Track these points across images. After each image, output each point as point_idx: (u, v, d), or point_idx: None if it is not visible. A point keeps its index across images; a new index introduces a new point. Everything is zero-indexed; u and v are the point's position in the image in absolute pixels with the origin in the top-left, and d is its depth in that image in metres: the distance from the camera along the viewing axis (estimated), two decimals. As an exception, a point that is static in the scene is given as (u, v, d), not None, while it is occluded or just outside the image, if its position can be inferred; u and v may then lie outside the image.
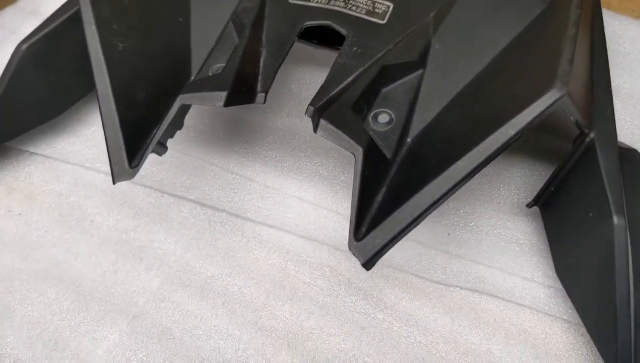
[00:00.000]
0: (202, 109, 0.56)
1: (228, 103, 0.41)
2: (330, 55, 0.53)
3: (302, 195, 0.52)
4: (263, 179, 0.53)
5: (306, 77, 0.59)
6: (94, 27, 0.43)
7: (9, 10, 0.67)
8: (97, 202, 0.53)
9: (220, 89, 0.42)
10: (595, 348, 0.43)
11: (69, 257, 0.50)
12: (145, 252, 0.50)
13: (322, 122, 0.40)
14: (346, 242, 0.49)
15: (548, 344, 0.45)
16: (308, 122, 0.56)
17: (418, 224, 0.37)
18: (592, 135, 0.42)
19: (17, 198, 0.53)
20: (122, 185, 0.53)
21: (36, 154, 0.56)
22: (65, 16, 0.51)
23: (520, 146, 0.53)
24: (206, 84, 0.43)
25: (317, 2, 0.49)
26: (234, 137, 0.55)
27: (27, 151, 0.56)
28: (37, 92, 0.52)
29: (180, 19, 0.49)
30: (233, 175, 0.53)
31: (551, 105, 0.35)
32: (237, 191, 0.52)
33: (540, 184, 0.48)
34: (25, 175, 0.55)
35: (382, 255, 0.37)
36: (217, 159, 0.54)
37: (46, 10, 0.65)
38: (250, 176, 0.53)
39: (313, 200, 0.52)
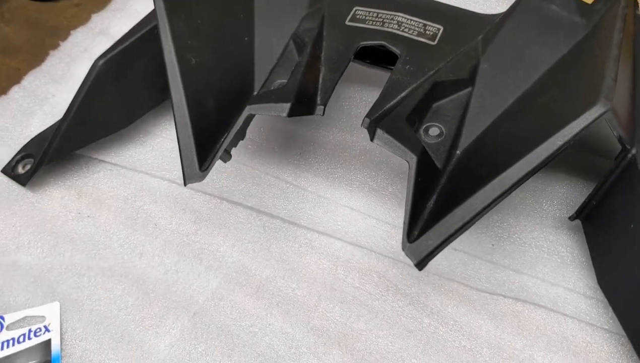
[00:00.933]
0: (260, 124, 0.60)
1: (291, 113, 0.45)
2: (378, 75, 0.56)
3: (352, 205, 0.55)
4: (315, 188, 0.56)
5: (357, 95, 0.62)
6: (171, 43, 0.47)
7: (81, 30, 0.72)
8: (160, 206, 0.56)
9: (284, 101, 0.45)
10: (636, 357, 0.45)
11: (134, 257, 0.54)
12: (204, 253, 0.53)
13: (379, 131, 0.43)
14: (394, 249, 0.52)
15: (589, 353, 0.47)
16: (358, 137, 0.59)
17: (469, 228, 0.39)
18: (633, 151, 0.45)
19: (86, 202, 0.57)
20: (184, 191, 0.57)
21: (105, 161, 0.60)
22: (138, 34, 0.55)
23: (563, 163, 0.55)
24: (271, 96, 0.47)
25: (371, 24, 0.53)
26: (289, 150, 0.59)
27: (96, 159, 0.60)
28: (110, 105, 0.57)
29: (246, 38, 0.52)
30: (287, 185, 0.56)
31: (596, 118, 0.38)
32: (290, 199, 0.56)
33: (580, 200, 0.51)
34: (94, 181, 0.59)
35: (433, 256, 0.39)
36: (272, 169, 0.57)
37: (115, 30, 0.70)
38: (304, 186, 0.56)
39: (362, 209, 0.54)
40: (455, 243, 0.52)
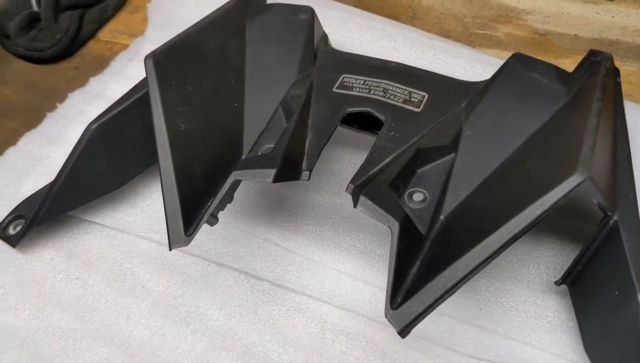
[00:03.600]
0: (249, 186, 0.61)
1: (276, 179, 0.46)
2: (367, 139, 0.57)
3: (340, 268, 0.55)
4: (304, 251, 0.56)
5: (345, 158, 0.63)
6: (160, 109, 0.48)
7: (78, 92, 0.73)
8: (149, 269, 0.56)
9: (270, 167, 0.46)
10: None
11: (120, 320, 0.53)
12: (191, 317, 0.53)
13: (362, 198, 0.44)
14: (381, 313, 0.51)
15: (578, 421, 0.46)
16: (346, 200, 0.60)
17: (451, 295, 0.39)
18: (615, 217, 0.45)
19: (75, 264, 0.57)
20: (173, 254, 0.57)
21: (95, 223, 0.60)
22: (132, 99, 0.57)
23: (549, 227, 0.56)
24: (257, 162, 0.48)
25: (358, 91, 0.54)
26: (278, 212, 0.59)
27: (87, 220, 0.60)
28: (102, 167, 0.57)
29: (236, 104, 0.54)
30: (276, 247, 0.56)
31: (574, 188, 0.39)
32: (279, 262, 0.56)
33: (568, 264, 0.51)
34: (84, 242, 0.59)
35: (417, 324, 0.39)
36: (261, 231, 0.58)
37: (112, 93, 0.72)
38: (292, 248, 0.56)
39: (350, 272, 0.54)
40: (442, 308, 0.51)
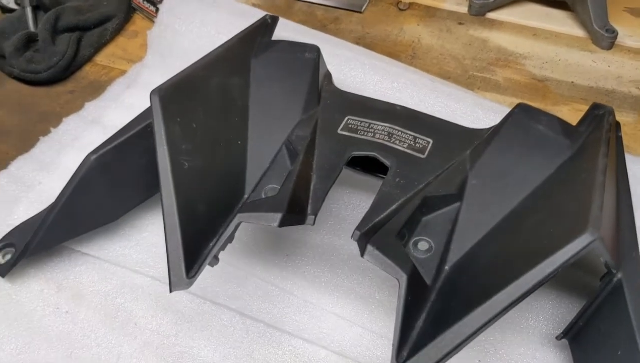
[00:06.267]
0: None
1: (282, 224, 0.45)
2: (369, 181, 0.57)
3: (338, 312, 0.54)
4: (302, 293, 0.55)
5: (345, 198, 0.62)
6: (165, 147, 0.47)
7: (73, 117, 0.72)
8: (142, 305, 0.55)
9: (276, 210, 0.45)
10: None
11: (111, 358, 0.52)
12: (184, 358, 0.52)
13: (369, 247, 0.43)
14: (379, 360, 0.51)
15: None
16: (345, 241, 0.59)
17: (458, 352, 0.39)
18: (619, 275, 0.45)
19: (65, 297, 0.56)
20: (167, 290, 0.55)
21: (88, 254, 0.59)
22: (132, 131, 0.56)
23: (549, 278, 0.56)
24: (263, 205, 0.47)
25: (363, 134, 0.54)
26: (276, 251, 0.58)
27: (79, 251, 0.59)
28: (98, 199, 0.56)
29: (239, 142, 0.53)
30: (273, 287, 0.56)
31: (584, 247, 0.39)
32: (276, 303, 0.55)
33: (568, 316, 0.50)
34: (75, 274, 0.58)
35: (422, 380, 0.39)
36: (259, 270, 0.57)
37: (108, 120, 0.70)
38: (290, 289, 0.55)
39: (348, 317, 0.54)
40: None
